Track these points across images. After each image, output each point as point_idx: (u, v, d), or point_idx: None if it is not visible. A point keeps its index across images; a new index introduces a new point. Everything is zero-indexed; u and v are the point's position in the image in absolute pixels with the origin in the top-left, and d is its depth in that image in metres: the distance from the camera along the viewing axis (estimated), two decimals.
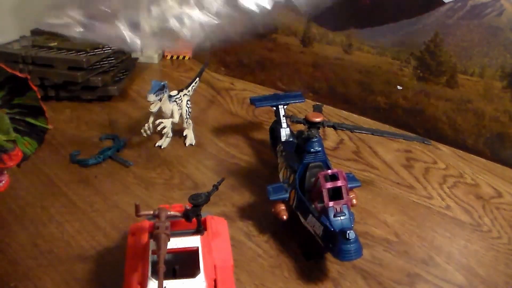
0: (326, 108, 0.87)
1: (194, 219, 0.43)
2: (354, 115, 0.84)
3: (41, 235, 0.56)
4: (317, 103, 0.69)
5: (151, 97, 0.65)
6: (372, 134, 0.62)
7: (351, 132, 0.76)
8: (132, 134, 0.77)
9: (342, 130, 0.59)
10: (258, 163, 0.71)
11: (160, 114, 0.70)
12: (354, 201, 0.56)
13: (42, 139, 0.57)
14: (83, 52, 0.86)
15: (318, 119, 0.55)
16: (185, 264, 0.43)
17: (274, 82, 0.92)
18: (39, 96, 0.54)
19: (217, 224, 0.46)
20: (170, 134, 0.74)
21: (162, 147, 0.74)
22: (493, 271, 0.52)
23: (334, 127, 0.57)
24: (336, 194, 0.49)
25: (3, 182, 0.62)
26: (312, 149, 0.54)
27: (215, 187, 0.45)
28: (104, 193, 0.64)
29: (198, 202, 0.42)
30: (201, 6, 0.66)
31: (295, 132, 0.63)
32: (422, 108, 0.78)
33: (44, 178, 0.67)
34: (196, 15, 0.67)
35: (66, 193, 0.64)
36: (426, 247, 0.55)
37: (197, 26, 0.66)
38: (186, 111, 0.73)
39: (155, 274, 0.37)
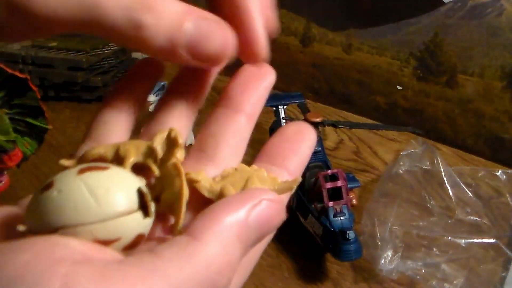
0: (326, 108, 0.87)
1: None
2: (354, 115, 0.84)
3: None
4: (302, 100, 0.69)
5: (151, 97, 0.65)
6: (369, 129, 0.61)
7: (350, 128, 0.76)
8: (132, 134, 0.77)
9: (341, 127, 0.59)
10: None
11: None
12: (354, 201, 0.56)
13: (42, 139, 0.57)
14: (83, 52, 0.86)
15: (318, 119, 0.55)
16: None
17: (274, 82, 0.92)
18: (39, 96, 0.54)
19: None
20: None
21: None
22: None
23: (334, 125, 0.57)
24: (336, 194, 0.49)
25: (3, 182, 0.62)
26: None
27: None
28: None
29: None
30: None
31: None
32: (422, 108, 0.78)
33: (44, 178, 0.67)
34: None
35: None
36: (425, 245, 0.55)
37: None
38: None
39: None
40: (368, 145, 0.77)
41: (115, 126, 0.24)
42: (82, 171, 0.18)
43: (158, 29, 0.18)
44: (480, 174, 0.68)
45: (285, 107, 0.68)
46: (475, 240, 0.56)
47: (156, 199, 0.19)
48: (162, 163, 0.21)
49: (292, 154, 0.22)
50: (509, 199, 0.64)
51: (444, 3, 0.71)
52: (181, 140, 0.21)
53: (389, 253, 0.52)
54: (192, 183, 0.21)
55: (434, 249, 0.54)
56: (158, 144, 0.21)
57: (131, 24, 0.18)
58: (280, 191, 0.21)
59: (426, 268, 0.52)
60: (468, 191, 0.65)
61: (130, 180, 0.18)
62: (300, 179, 0.22)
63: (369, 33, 0.80)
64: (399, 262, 0.52)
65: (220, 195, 0.20)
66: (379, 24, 0.79)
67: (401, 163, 0.68)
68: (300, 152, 0.22)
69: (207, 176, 0.21)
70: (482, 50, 0.70)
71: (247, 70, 0.24)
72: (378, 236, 0.54)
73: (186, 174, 0.21)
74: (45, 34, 0.19)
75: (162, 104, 0.25)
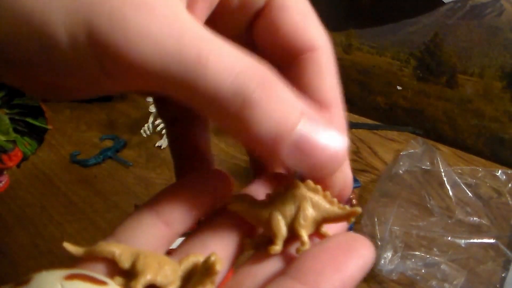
0: None
1: None
2: (354, 115, 0.84)
3: (41, 236, 0.56)
4: None
5: (151, 97, 0.65)
6: (369, 129, 0.61)
7: (350, 128, 0.76)
8: (132, 134, 0.77)
9: None
10: None
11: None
12: (354, 201, 0.56)
13: (42, 139, 0.57)
14: None
15: None
16: None
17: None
18: None
19: None
20: None
21: (162, 147, 0.74)
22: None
23: None
24: None
25: (3, 182, 0.62)
26: None
27: None
28: (104, 193, 0.64)
29: None
30: None
31: None
32: (422, 108, 0.78)
33: (44, 178, 0.67)
34: None
35: (66, 193, 0.64)
36: (425, 245, 0.55)
37: None
38: None
39: None
40: (368, 145, 0.77)
41: (151, 235, 0.18)
42: (70, 277, 0.14)
43: (269, 113, 0.15)
44: (480, 174, 0.68)
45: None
46: (475, 240, 0.56)
47: None
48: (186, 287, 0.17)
49: (331, 271, 0.16)
50: (509, 199, 0.64)
51: (444, 3, 0.71)
52: (219, 268, 0.16)
53: (389, 253, 0.52)
54: (238, 213, 0.18)
55: (434, 249, 0.54)
56: (185, 267, 0.17)
57: (238, 96, 0.14)
58: (333, 220, 0.18)
59: (426, 268, 0.52)
60: (468, 191, 0.65)
61: None
62: (360, 210, 0.18)
63: (369, 33, 0.80)
64: (399, 262, 0.52)
65: (267, 223, 0.18)
66: (379, 24, 0.79)
67: (401, 163, 0.68)
68: (344, 270, 0.16)
69: (252, 198, 0.19)
70: (482, 50, 0.70)
71: (335, 240, 0.17)
72: (378, 236, 0.54)
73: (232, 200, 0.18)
74: (119, 89, 0.15)
75: (208, 225, 0.19)
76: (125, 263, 0.16)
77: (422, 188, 0.65)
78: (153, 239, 0.18)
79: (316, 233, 0.19)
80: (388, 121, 0.82)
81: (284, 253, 0.18)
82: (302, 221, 0.18)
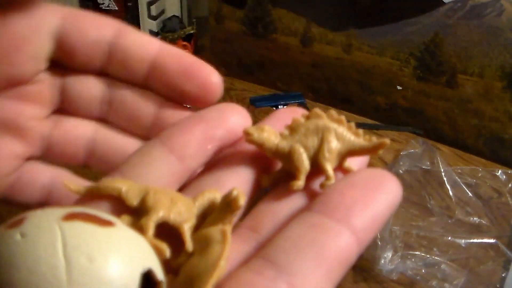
0: (326, 108, 0.87)
1: None
2: (354, 115, 0.84)
3: None
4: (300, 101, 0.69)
5: None
6: (369, 129, 0.61)
7: None
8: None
9: None
10: None
11: None
12: None
13: None
14: None
15: None
16: None
17: (274, 82, 0.92)
18: None
19: None
20: None
21: None
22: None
23: None
24: None
25: None
26: None
27: None
28: None
29: None
30: None
31: None
32: (422, 108, 0.78)
33: None
34: None
35: None
36: (425, 245, 0.55)
37: None
38: None
39: None
40: None
41: (162, 171, 0.17)
42: (69, 217, 0.12)
43: None
44: (480, 174, 0.68)
45: (285, 107, 0.68)
46: (475, 240, 0.56)
47: (174, 272, 0.14)
48: (201, 226, 0.15)
49: (360, 206, 0.15)
50: (509, 199, 0.64)
51: (444, 3, 0.71)
52: (242, 203, 0.15)
53: (389, 253, 0.52)
54: (256, 145, 0.17)
55: (434, 249, 0.54)
56: (200, 205, 0.16)
57: None
58: (359, 152, 0.17)
59: (426, 268, 0.52)
60: (468, 191, 0.65)
61: (139, 252, 0.12)
62: (388, 141, 0.17)
63: (369, 33, 0.80)
64: (399, 262, 0.52)
65: (287, 157, 0.17)
66: (379, 24, 0.79)
67: (401, 163, 0.68)
68: (375, 205, 0.15)
69: (271, 130, 0.17)
70: (482, 50, 0.70)
71: (362, 175, 0.16)
72: (378, 236, 0.54)
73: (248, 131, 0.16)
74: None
75: (223, 160, 0.18)
76: (133, 200, 0.15)
77: (422, 188, 0.65)
78: (165, 175, 0.16)
79: (339, 167, 0.18)
80: (388, 121, 0.82)
81: (306, 189, 0.17)
82: (326, 154, 0.17)
